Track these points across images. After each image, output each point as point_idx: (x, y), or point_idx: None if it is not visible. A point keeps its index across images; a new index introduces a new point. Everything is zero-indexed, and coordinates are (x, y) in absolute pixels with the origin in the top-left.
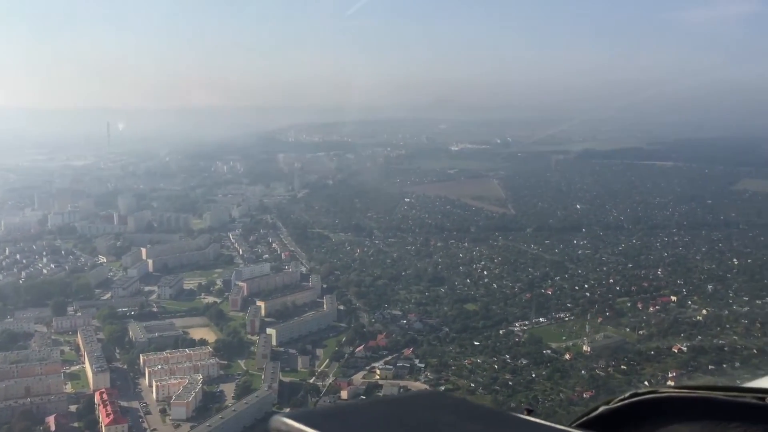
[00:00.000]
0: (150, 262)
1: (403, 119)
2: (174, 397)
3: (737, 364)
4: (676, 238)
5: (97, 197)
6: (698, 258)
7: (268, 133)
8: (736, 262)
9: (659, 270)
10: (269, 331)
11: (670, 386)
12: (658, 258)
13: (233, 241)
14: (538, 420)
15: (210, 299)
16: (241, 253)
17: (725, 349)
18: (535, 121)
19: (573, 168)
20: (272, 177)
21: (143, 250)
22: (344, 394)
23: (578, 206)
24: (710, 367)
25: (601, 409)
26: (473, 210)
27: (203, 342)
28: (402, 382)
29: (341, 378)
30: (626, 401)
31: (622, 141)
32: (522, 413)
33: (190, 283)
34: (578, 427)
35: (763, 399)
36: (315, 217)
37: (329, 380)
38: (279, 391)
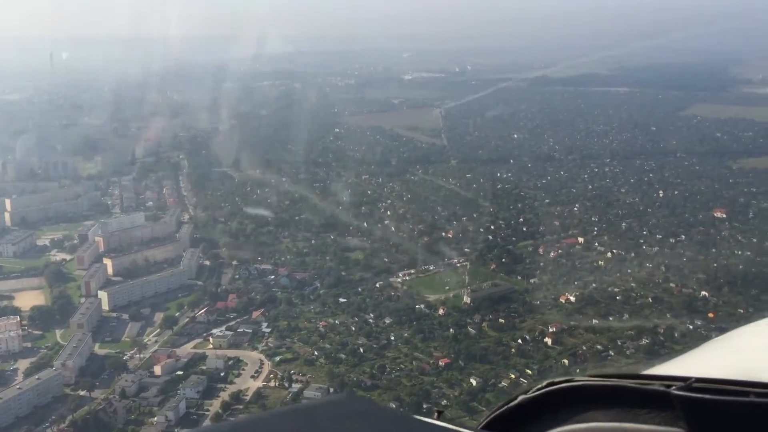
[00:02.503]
0: (6, 215)
1: (367, 49)
2: None
3: (625, 316)
4: (606, 169)
5: (5, 137)
6: (622, 191)
7: (224, 63)
8: (661, 195)
9: (576, 206)
10: (101, 293)
11: (584, 375)
12: (580, 192)
13: (122, 186)
14: (444, 424)
15: (61, 256)
16: (123, 201)
17: (617, 298)
18: (503, 49)
19: (523, 96)
20: (202, 108)
21: (8, 201)
22: (157, 370)
23: (515, 136)
24: (594, 321)
25: (519, 398)
26: (402, 141)
27: (18, 310)
28: (234, 352)
29: (166, 349)
30: (543, 390)
31: (583, 67)
32: (432, 417)
33: (46, 238)
34: (498, 417)
35: (669, 387)
36: (228, 154)
37: (151, 352)
38: (84, 366)
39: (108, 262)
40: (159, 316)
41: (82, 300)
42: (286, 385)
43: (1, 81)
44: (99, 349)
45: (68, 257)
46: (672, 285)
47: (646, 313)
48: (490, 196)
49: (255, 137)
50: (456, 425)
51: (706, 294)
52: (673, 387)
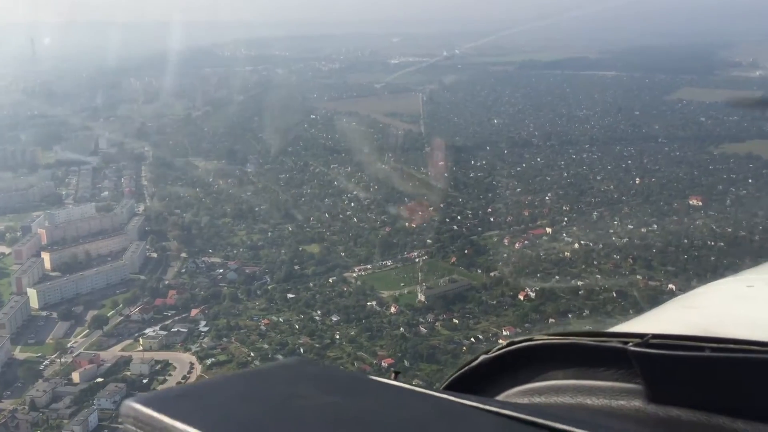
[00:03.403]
0: None
1: (355, 34)
2: None
3: (585, 312)
4: (584, 156)
5: None
6: (598, 179)
7: (207, 48)
8: (637, 182)
9: (548, 195)
10: (29, 291)
11: (544, 334)
12: (554, 180)
13: (80, 176)
14: (402, 384)
15: (2, 249)
16: (77, 191)
17: (580, 293)
18: (493, 32)
19: (508, 80)
20: (177, 94)
21: None
22: (76, 377)
23: (495, 121)
24: (550, 320)
25: (480, 358)
26: (378, 128)
27: None
28: (165, 354)
29: (89, 352)
30: (504, 350)
31: (571, 50)
32: (388, 377)
33: None
34: (458, 378)
35: (626, 344)
36: (196, 142)
37: (74, 355)
38: (0, 373)
39: (45, 256)
40: (91, 315)
41: (17, 298)
42: None
43: None
44: (19, 353)
45: (8, 251)
46: (639, 278)
47: (607, 310)
48: (461, 185)
49: (227, 125)
50: (412, 385)
51: (674, 287)
52: (630, 344)
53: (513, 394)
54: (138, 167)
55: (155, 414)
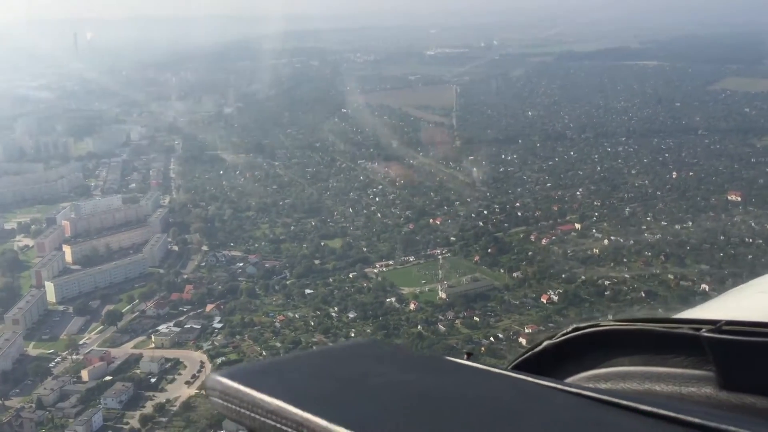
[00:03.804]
0: None
1: (393, 26)
2: None
3: (609, 316)
4: (619, 149)
5: (7, 121)
6: (633, 173)
7: (244, 41)
8: (674, 176)
9: (579, 190)
10: (47, 284)
11: (610, 320)
12: (586, 174)
13: (110, 168)
14: (475, 364)
15: (26, 242)
16: (106, 183)
17: (606, 293)
18: (534, 23)
19: (546, 71)
20: (210, 89)
21: None
22: (85, 375)
23: (529, 113)
24: (575, 324)
25: (545, 343)
26: (409, 121)
27: None
28: (176, 352)
29: (101, 349)
30: (569, 335)
31: (612, 40)
32: (462, 358)
33: (16, 222)
34: (523, 362)
35: (698, 330)
36: (225, 136)
37: (85, 353)
38: (8, 370)
39: (67, 249)
40: (109, 309)
41: (30, 291)
42: None
43: (23, 66)
44: (33, 349)
45: (32, 243)
46: (670, 277)
47: (634, 312)
48: (490, 179)
49: (257, 120)
50: (486, 366)
51: (707, 287)
52: (703, 330)
53: (578, 379)
54: (167, 160)
55: (241, 387)
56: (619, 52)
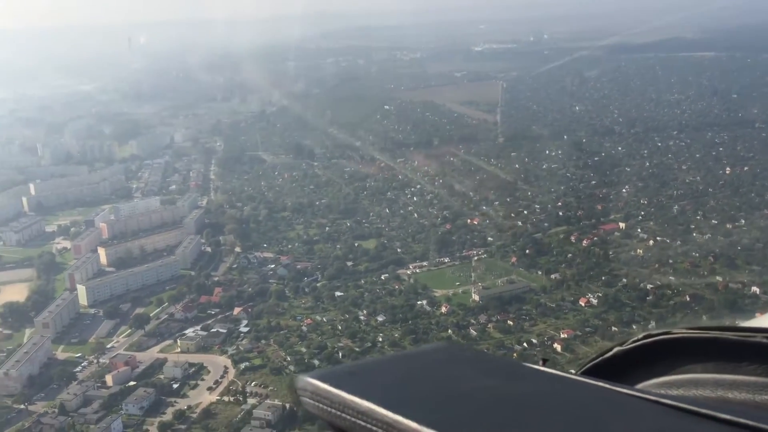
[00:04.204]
0: (24, 200)
1: (442, 21)
2: None
3: (651, 324)
4: (670, 143)
5: (59, 125)
6: (683, 168)
7: (295, 42)
8: (727, 172)
9: (626, 187)
10: (79, 288)
11: (682, 327)
12: (634, 171)
13: (152, 170)
14: (552, 371)
15: (65, 244)
16: (147, 184)
17: (648, 298)
18: (587, 15)
19: (597, 64)
20: (255, 90)
21: (32, 186)
22: (109, 380)
23: (577, 108)
24: (613, 329)
25: (615, 350)
26: (452, 118)
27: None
28: (201, 357)
29: (126, 353)
30: (639, 342)
31: (667, 31)
32: (538, 364)
33: (57, 224)
34: (592, 368)
35: None
36: (267, 137)
37: (111, 357)
38: (35, 374)
39: (101, 252)
40: (140, 311)
41: (62, 294)
42: (241, 399)
43: (80, 70)
44: (62, 353)
45: (69, 245)
46: (718, 279)
47: (677, 319)
48: (532, 177)
49: (299, 119)
50: (562, 372)
51: (758, 290)
52: None
53: (649, 386)
54: (208, 162)
55: (332, 389)
56: (674, 43)
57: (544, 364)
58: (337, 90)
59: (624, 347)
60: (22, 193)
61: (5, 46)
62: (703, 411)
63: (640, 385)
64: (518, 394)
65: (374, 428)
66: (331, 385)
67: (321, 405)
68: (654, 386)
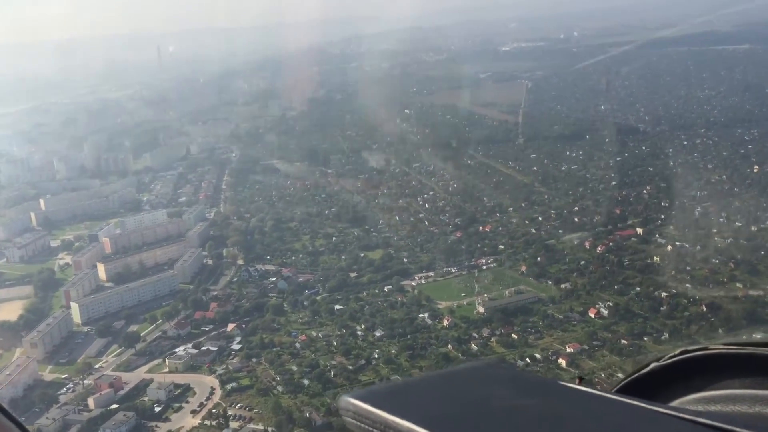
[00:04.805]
0: (32, 215)
1: (470, 21)
2: None
3: (665, 336)
4: (697, 141)
5: (80, 139)
6: (709, 167)
7: (322, 46)
8: (755, 170)
9: (647, 189)
10: (73, 305)
11: (719, 343)
12: (657, 171)
13: (164, 182)
14: (588, 389)
15: (68, 260)
16: (157, 197)
17: (661, 308)
18: (617, 10)
19: (626, 61)
20: (277, 95)
21: (41, 201)
22: (91, 402)
23: (602, 107)
24: (622, 341)
25: (651, 365)
26: (472, 120)
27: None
28: (188, 377)
29: (112, 374)
30: (676, 358)
31: (699, 25)
32: (574, 383)
33: (62, 239)
34: (630, 383)
35: None
36: (284, 143)
37: (96, 378)
38: (18, 397)
39: (101, 267)
40: (133, 329)
41: (56, 312)
42: (222, 423)
43: (110, 79)
44: (49, 374)
45: (71, 261)
46: (738, 286)
47: (691, 331)
48: (550, 179)
49: (318, 124)
50: (598, 391)
51: None
52: None
53: (687, 401)
54: (221, 172)
55: (373, 409)
56: (707, 36)
57: (580, 383)
58: (359, 94)
59: (661, 363)
60: (31, 209)
61: (37, 58)
62: (739, 430)
63: (677, 401)
64: (554, 414)
65: None
66: (372, 405)
67: (363, 425)
68: (691, 402)
